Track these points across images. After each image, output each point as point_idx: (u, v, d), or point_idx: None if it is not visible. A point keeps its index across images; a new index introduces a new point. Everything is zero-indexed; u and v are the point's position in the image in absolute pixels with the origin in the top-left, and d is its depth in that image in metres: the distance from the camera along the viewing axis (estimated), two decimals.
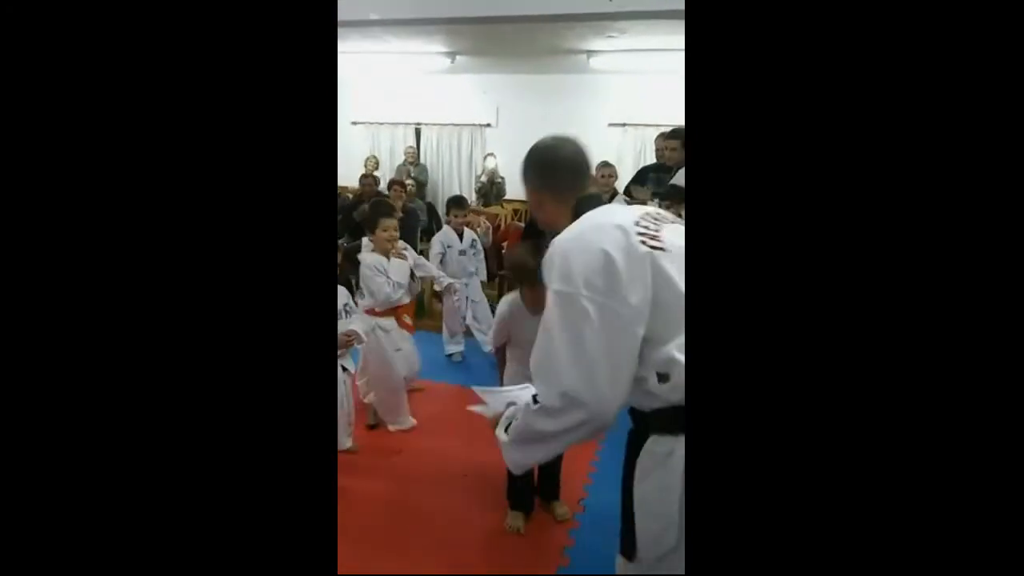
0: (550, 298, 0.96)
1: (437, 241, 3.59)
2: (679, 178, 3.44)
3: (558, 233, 1.07)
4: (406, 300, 2.63)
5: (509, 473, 1.90)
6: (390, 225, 2.55)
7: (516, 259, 1.91)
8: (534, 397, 0.97)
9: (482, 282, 3.73)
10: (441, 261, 3.49)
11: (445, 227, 3.67)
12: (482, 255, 3.72)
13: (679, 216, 3.39)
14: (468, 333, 3.70)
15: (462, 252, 3.58)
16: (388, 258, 2.56)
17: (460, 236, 3.60)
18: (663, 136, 4.00)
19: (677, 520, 0.92)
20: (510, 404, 1.08)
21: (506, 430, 1.05)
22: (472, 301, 3.61)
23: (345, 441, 2.42)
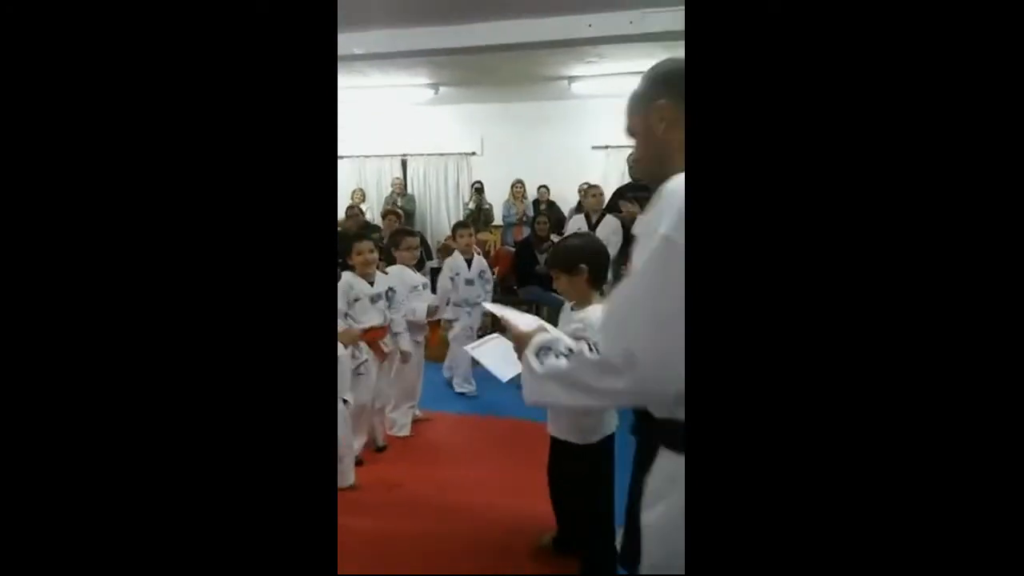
0: (654, 242, 0.78)
1: (447, 266, 3.55)
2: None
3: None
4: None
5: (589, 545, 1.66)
6: (364, 248, 2.57)
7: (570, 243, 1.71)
8: (593, 345, 0.85)
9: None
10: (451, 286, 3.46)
11: (456, 253, 3.57)
12: (491, 284, 3.61)
13: None
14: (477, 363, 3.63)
15: (469, 281, 3.49)
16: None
17: (469, 264, 3.51)
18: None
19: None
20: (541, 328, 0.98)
21: (537, 355, 0.91)
22: (475, 329, 3.52)
23: (348, 477, 2.37)
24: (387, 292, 2.64)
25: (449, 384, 3.62)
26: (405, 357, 2.71)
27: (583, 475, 1.62)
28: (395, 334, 2.68)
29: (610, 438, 1.62)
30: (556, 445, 1.63)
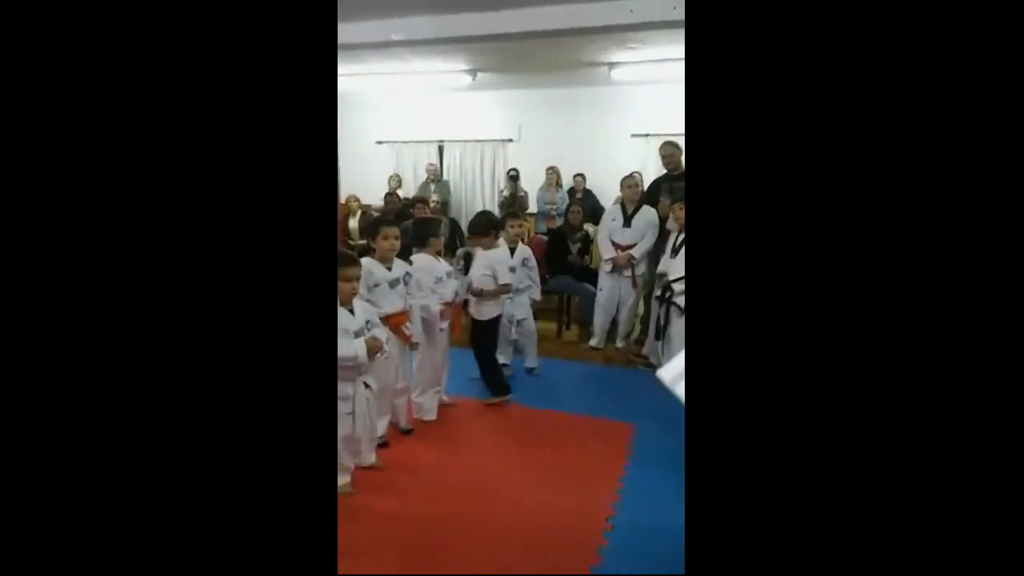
0: None
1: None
2: None
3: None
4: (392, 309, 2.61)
5: (484, 371, 3.25)
6: (390, 233, 2.59)
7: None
8: None
9: (533, 300, 3.58)
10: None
11: (500, 241, 3.47)
12: (536, 274, 3.59)
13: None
14: (515, 350, 3.64)
15: (511, 269, 3.40)
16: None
17: (512, 252, 3.45)
18: (669, 144, 4.04)
19: None
20: None
21: None
22: (517, 319, 3.49)
23: (369, 457, 2.42)
24: (404, 277, 2.65)
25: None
26: (413, 346, 2.73)
27: (480, 332, 3.22)
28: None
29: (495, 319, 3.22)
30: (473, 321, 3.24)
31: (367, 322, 2.25)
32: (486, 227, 3.25)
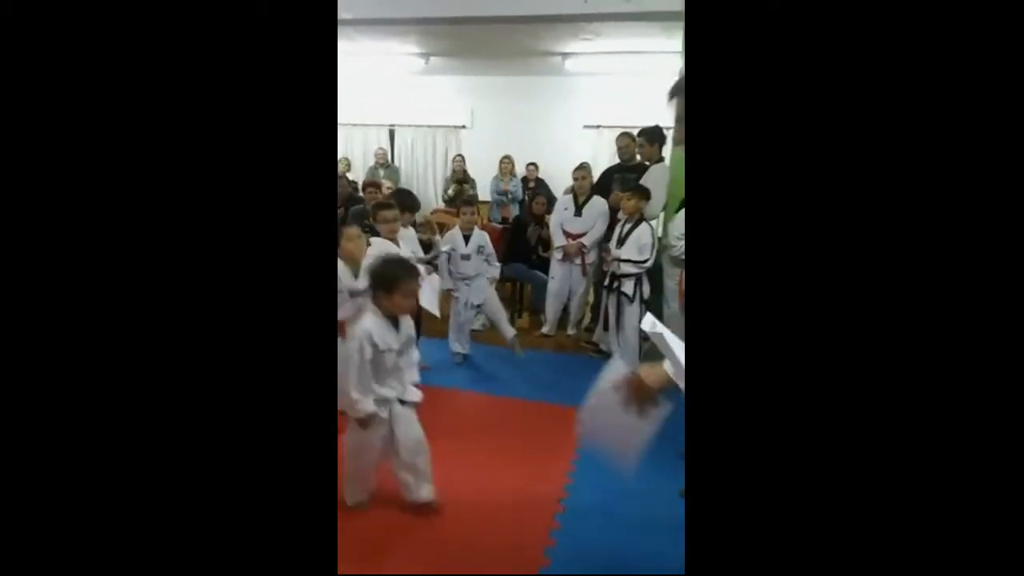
0: None
1: (445, 240, 3.57)
2: (646, 179, 3.57)
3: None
4: None
5: None
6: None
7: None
8: None
9: (492, 278, 3.63)
10: (448, 261, 3.50)
11: (456, 228, 3.60)
12: (494, 258, 3.63)
13: (641, 212, 3.43)
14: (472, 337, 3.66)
15: (465, 256, 3.51)
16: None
17: (466, 240, 3.52)
18: (625, 135, 4.12)
19: None
20: None
21: None
22: (474, 304, 3.53)
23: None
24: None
25: (454, 357, 3.63)
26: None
27: None
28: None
29: None
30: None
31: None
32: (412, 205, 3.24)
